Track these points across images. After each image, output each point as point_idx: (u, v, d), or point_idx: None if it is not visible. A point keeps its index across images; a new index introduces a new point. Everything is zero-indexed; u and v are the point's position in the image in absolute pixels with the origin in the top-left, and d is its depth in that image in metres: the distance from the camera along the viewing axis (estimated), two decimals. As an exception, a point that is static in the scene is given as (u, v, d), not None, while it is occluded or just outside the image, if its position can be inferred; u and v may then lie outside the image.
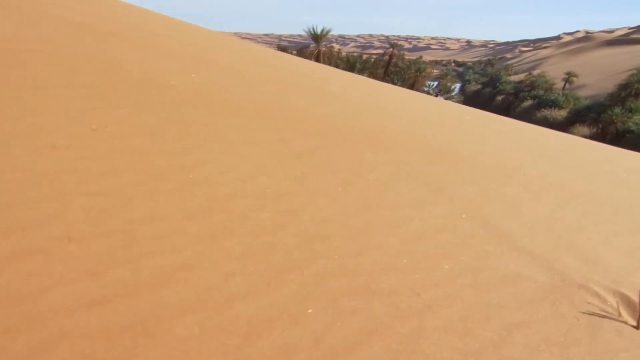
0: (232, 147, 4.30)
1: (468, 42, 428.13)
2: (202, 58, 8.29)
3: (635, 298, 3.09)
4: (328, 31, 31.01)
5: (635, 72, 50.55)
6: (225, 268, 2.74)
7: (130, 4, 14.33)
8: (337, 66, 35.83)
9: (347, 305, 2.62)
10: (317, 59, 30.04)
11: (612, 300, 3.08)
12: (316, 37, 30.34)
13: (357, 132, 5.72)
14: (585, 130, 46.93)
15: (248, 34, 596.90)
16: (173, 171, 3.63)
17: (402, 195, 4.06)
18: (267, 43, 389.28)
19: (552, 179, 5.47)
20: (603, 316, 2.89)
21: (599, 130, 43.60)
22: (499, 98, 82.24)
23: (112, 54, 6.59)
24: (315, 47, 30.36)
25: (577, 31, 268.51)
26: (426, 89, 59.65)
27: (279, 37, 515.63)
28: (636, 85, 46.36)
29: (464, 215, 3.88)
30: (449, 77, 67.46)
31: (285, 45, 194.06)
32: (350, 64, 29.79)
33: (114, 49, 6.89)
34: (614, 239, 4.09)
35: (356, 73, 29.33)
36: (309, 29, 30.33)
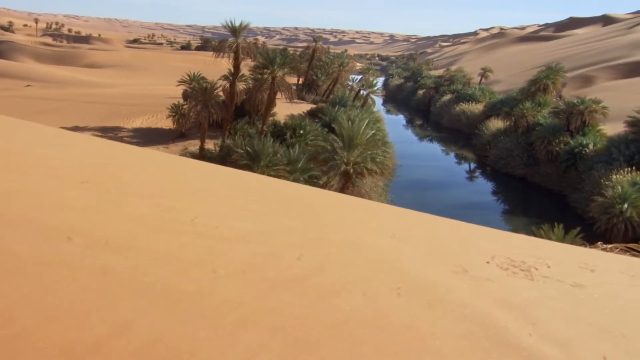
0: None
1: (391, 36, 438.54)
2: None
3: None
4: (247, 25, 30.22)
5: (544, 68, 53.42)
6: None
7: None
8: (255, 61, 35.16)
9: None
10: (236, 53, 29.22)
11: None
12: (235, 31, 29.45)
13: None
14: (500, 123, 49.14)
15: (170, 24, 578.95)
16: None
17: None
18: (190, 34, 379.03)
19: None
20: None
21: (512, 124, 45.67)
22: (420, 92, 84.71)
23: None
24: (234, 41, 29.46)
25: (493, 27, 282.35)
26: (350, 83, 60.02)
27: (203, 28, 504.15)
28: (544, 81, 48.95)
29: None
30: (370, 71, 68.22)
31: (208, 37, 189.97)
32: (270, 59, 29.13)
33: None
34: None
35: (276, 68, 28.86)
36: (226, 22, 29.46)
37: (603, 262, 4.43)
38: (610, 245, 11.56)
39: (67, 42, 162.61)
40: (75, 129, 41.67)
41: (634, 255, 11.40)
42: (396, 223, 4.49)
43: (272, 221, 3.40)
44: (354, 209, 4.82)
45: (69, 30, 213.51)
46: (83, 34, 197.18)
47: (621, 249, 11.54)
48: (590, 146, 35.03)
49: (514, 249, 4.01)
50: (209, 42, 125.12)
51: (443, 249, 3.58)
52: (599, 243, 11.85)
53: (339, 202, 5.10)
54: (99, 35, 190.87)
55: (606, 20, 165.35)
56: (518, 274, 3.07)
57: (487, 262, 3.23)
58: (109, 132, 41.64)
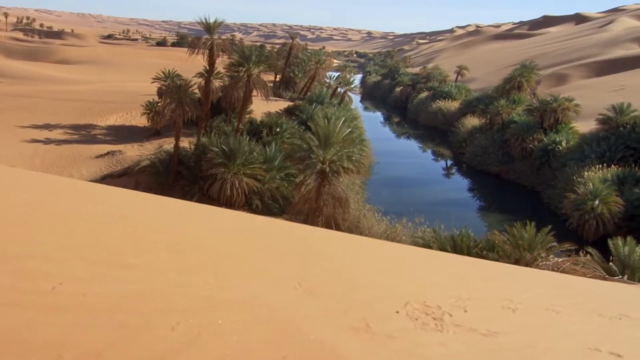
0: None
1: (369, 33, 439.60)
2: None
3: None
4: (221, 22, 29.82)
5: (518, 66, 54.10)
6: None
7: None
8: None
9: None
10: (211, 51, 28.85)
11: None
12: (209, 28, 29.05)
13: None
14: (475, 121, 49.63)
15: (145, 20, 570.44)
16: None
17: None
18: (166, 30, 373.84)
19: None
20: None
21: (487, 121, 46.15)
22: (398, 90, 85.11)
23: None
24: (208, 39, 29.07)
25: (469, 25, 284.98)
26: (327, 80, 59.88)
27: (179, 24, 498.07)
28: (519, 79, 49.58)
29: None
30: (347, 69, 68.20)
31: (184, 33, 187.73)
32: (245, 56, 28.83)
33: None
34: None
35: (252, 66, 28.54)
36: (201, 19, 29.02)
37: (530, 295, 4.31)
38: (561, 259, 11.73)
39: (38, 37, 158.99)
40: (47, 126, 40.76)
41: (584, 267, 11.55)
42: (311, 265, 4.14)
43: (158, 278, 2.90)
44: (263, 253, 4.34)
45: (41, 25, 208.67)
46: (55, 29, 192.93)
47: (572, 263, 11.73)
48: (563, 143, 35.56)
49: (434, 289, 3.81)
50: (186, 39, 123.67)
51: (351, 298, 3.26)
52: (550, 256, 12.01)
53: (245, 246, 4.65)
54: (72, 30, 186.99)
55: (579, 18, 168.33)
56: (428, 324, 2.80)
57: (397, 312, 2.96)
58: (82, 130, 40.82)
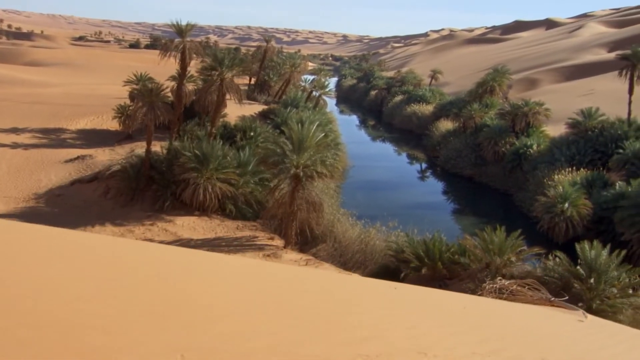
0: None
1: (344, 36, 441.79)
2: None
3: None
4: (193, 25, 29.51)
5: (491, 71, 54.92)
6: None
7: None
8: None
9: None
10: (183, 54, 28.51)
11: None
12: (181, 31, 28.71)
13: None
14: (449, 124, 50.17)
15: (118, 22, 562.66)
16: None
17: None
18: (139, 32, 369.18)
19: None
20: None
21: (461, 125, 46.67)
22: (373, 93, 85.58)
23: None
24: (180, 42, 28.72)
25: (443, 29, 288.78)
26: (302, 84, 59.81)
27: (153, 26, 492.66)
28: (491, 83, 50.31)
29: None
30: (323, 72, 68.30)
31: (158, 35, 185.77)
32: (219, 60, 28.56)
33: None
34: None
35: (225, 70, 28.25)
36: (172, 22, 28.65)
37: (452, 342, 4.13)
38: (508, 282, 11.84)
39: (6, 38, 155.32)
40: (14, 130, 39.71)
41: (532, 289, 11.65)
42: (196, 328, 3.63)
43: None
44: (134, 317, 3.59)
45: (9, 26, 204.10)
46: (24, 30, 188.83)
47: (519, 285, 11.88)
48: (534, 147, 36.15)
49: (341, 347, 3.42)
50: (159, 41, 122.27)
51: None
52: (497, 279, 12.11)
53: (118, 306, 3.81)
54: (42, 32, 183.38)
55: (549, 24, 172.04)
56: None
57: None
58: (51, 134, 39.87)
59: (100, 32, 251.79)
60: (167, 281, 5.33)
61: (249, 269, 7.96)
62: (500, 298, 11.21)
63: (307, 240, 23.10)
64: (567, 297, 11.75)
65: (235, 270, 7.54)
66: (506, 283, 11.94)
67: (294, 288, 6.46)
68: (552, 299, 11.03)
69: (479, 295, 11.61)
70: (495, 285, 11.67)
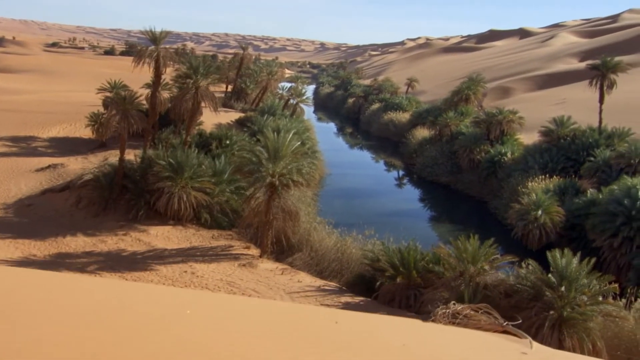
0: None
1: (322, 44, 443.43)
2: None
3: None
4: (167, 33, 29.23)
5: (465, 79, 55.65)
6: None
7: None
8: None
9: None
10: (157, 62, 28.19)
11: None
12: (155, 39, 28.41)
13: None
14: (425, 132, 50.61)
15: (93, 28, 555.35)
16: None
17: None
18: (114, 39, 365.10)
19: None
20: None
21: (437, 133, 47.10)
22: (350, 101, 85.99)
23: None
24: (154, 49, 28.41)
25: (419, 37, 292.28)
26: (280, 91, 59.72)
27: (128, 32, 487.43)
28: (466, 92, 50.95)
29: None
30: (300, 80, 68.36)
31: (134, 42, 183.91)
32: (193, 68, 28.32)
33: None
34: None
35: (200, 78, 28.03)
36: (145, 30, 28.34)
37: None
38: (461, 306, 11.86)
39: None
40: (-17, 138, 38.73)
41: (485, 314, 11.68)
42: None
43: None
44: None
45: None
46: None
47: (472, 309, 11.91)
48: (509, 155, 36.66)
49: None
50: (135, 47, 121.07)
51: None
52: (451, 303, 12.11)
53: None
54: (14, 37, 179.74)
55: (523, 33, 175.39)
56: None
57: None
58: (22, 142, 39.00)
59: (75, 39, 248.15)
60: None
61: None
62: (453, 323, 11.16)
63: (283, 249, 22.95)
64: (520, 321, 11.79)
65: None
66: (459, 308, 11.89)
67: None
68: (505, 323, 11.04)
69: (432, 321, 11.55)
70: (448, 310, 11.63)
